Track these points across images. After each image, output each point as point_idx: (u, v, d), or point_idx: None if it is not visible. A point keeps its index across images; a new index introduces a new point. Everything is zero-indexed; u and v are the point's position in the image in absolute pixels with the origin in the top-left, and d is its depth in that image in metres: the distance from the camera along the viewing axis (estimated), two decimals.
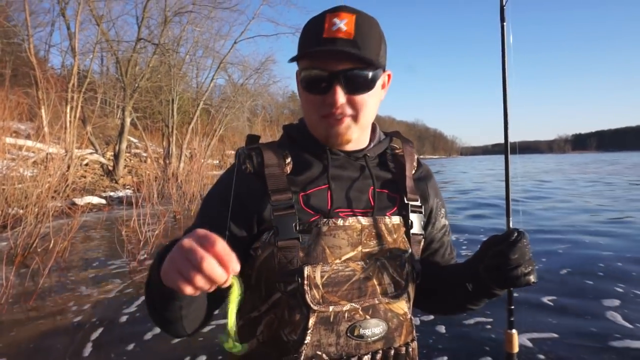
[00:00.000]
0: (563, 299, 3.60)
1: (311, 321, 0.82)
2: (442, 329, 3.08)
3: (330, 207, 0.88)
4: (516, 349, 0.94)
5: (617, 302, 3.46)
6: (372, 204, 0.92)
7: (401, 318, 0.90)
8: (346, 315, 0.84)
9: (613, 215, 7.77)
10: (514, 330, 0.95)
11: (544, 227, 6.81)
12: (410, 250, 0.93)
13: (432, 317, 3.20)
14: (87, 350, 2.81)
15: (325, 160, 0.92)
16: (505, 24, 0.97)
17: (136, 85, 15.08)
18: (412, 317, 0.94)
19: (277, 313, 0.85)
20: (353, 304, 0.85)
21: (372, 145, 0.98)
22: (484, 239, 0.89)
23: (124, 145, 14.72)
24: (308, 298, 0.82)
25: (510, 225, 0.93)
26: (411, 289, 0.94)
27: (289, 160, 0.92)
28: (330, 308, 0.83)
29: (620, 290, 3.76)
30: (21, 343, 2.94)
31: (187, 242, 0.57)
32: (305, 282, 0.82)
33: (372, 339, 0.86)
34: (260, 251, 0.86)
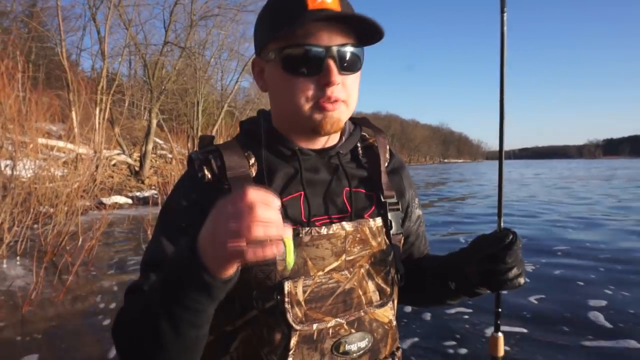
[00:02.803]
0: (549, 297, 3.59)
1: (293, 341, 0.74)
2: (426, 324, 3.09)
3: (305, 216, 0.79)
4: (502, 353, 0.89)
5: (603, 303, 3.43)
6: (349, 206, 0.83)
7: (386, 327, 0.85)
8: (330, 331, 0.77)
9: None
10: (499, 334, 0.89)
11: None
12: (392, 253, 0.87)
13: (418, 310, 3.21)
14: (114, 349, 2.80)
15: (296, 163, 0.81)
16: (505, 15, 0.84)
17: (163, 87, 15.36)
18: (397, 324, 0.89)
19: (254, 330, 0.76)
20: (338, 319, 0.78)
21: (344, 139, 0.88)
22: (472, 239, 0.84)
23: (150, 146, 14.99)
24: (289, 317, 0.73)
25: (502, 226, 0.85)
26: (396, 295, 0.89)
27: (252, 161, 0.80)
28: (314, 326, 0.75)
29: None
30: (50, 340, 2.95)
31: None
32: (286, 299, 0.73)
33: (358, 353, 0.80)
34: None
